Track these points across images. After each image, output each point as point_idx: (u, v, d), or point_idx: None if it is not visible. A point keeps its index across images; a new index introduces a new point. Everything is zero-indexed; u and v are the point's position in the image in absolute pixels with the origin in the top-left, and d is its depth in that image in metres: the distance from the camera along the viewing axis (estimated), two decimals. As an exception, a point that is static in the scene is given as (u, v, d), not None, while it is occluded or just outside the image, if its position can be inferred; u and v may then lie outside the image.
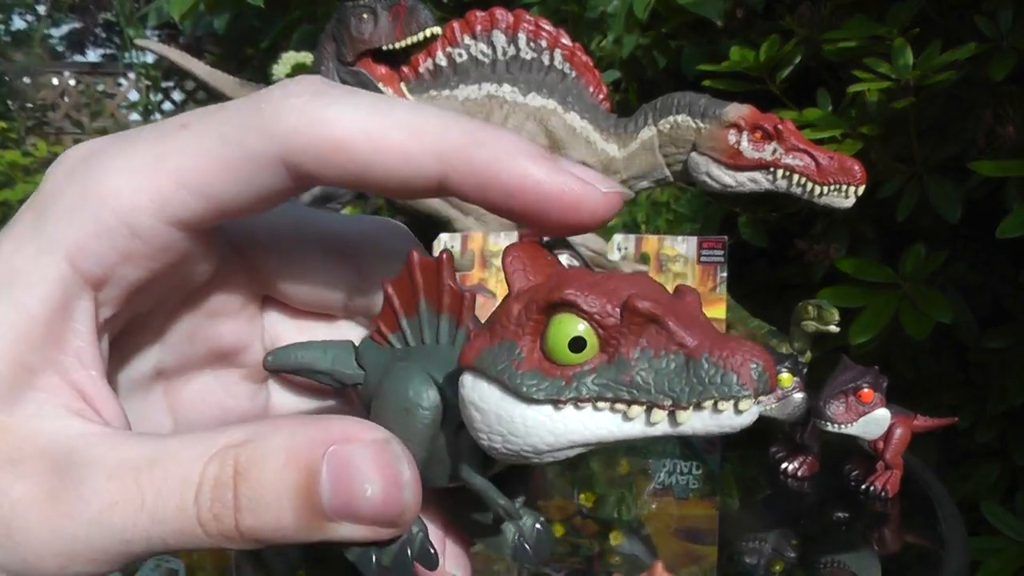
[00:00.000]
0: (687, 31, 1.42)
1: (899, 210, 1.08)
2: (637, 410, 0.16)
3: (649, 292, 0.17)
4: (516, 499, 0.20)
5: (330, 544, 0.18)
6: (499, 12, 0.79)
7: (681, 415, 0.16)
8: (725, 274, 0.76)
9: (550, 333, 0.17)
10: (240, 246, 0.22)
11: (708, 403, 0.16)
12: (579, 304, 0.16)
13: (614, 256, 0.80)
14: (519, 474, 0.20)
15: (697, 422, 0.16)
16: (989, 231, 0.93)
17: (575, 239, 0.78)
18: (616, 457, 0.71)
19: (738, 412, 0.16)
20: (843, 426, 0.59)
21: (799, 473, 0.64)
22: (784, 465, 0.65)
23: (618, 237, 0.80)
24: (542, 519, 0.20)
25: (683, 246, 0.76)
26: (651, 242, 0.78)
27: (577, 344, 0.16)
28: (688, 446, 0.74)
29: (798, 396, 0.63)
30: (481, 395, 0.17)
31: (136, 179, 0.18)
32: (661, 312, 0.16)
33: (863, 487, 0.61)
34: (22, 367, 0.17)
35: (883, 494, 0.60)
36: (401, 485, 0.17)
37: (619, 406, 0.16)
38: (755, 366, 0.16)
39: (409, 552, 0.18)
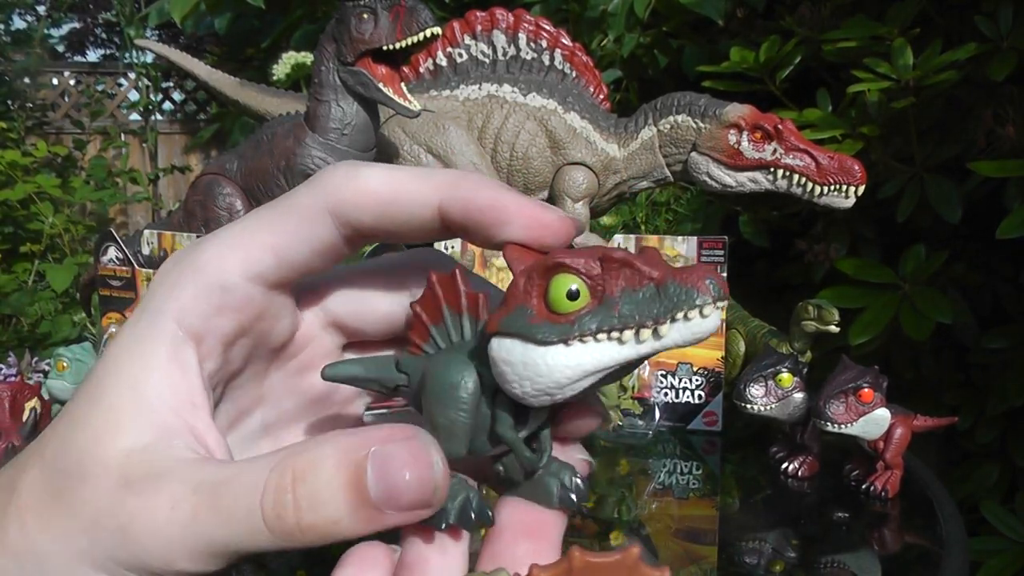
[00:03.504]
0: (688, 31, 1.42)
1: (899, 210, 1.08)
2: (628, 334, 0.20)
3: (617, 249, 0.21)
4: (542, 456, 0.24)
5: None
6: (499, 12, 0.79)
7: (662, 329, 0.20)
8: (725, 274, 0.76)
9: (551, 292, 0.21)
10: (315, 303, 0.27)
11: (680, 315, 0.20)
12: (568, 263, 0.21)
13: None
14: (541, 439, 0.24)
15: (676, 334, 0.20)
16: (989, 231, 0.93)
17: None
18: (616, 457, 0.71)
19: (703, 316, 0.20)
20: (843, 426, 0.59)
21: (799, 473, 0.64)
22: (784, 465, 0.65)
23: (618, 237, 0.80)
24: (576, 472, 0.24)
25: (683, 246, 0.76)
26: (651, 242, 0.78)
27: (573, 294, 0.21)
28: (688, 446, 0.74)
29: (798, 396, 0.63)
30: (508, 351, 0.21)
31: (227, 248, 0.24)
32: (630, 257, 0.21)
33: (863, 487, 0.61)
34: (144, 406, 0.22)
35: (883, 494, 0.60)
36: (432, 468, 0.21)
37: (614, 334, 0.20)
38: (709, 280, 0.20)
39: (472, 510, 0.22)
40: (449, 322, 0.24)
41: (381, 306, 0.27)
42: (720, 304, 0.20)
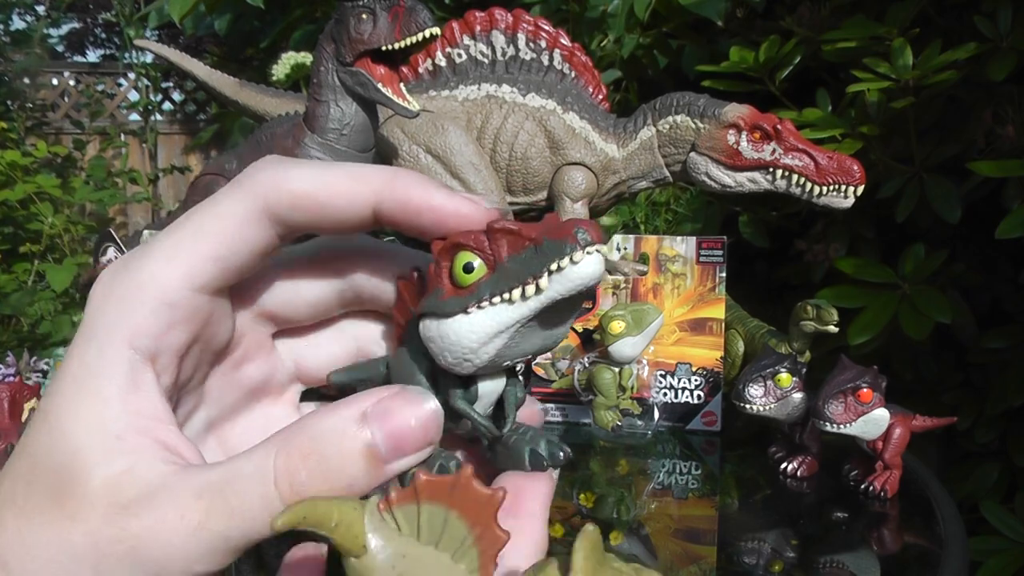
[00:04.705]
0: (687, 31, 1.42)
1: (899, 210, 1.08)
2: (516, 293, 0.22)
3: (503, 220, 0.23)
4: (502, 424, 0.26)
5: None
6: (498, 12, 0.79)
7: (541, 283, 0.22)
8: (724, 274, 0.76)
9: (453, 270, 0.23)
10: (246, 298, 0.27)
11: (553, 266, 0.22)
12: (461, 242, 0.23)
13: (613, 256, 0.80)
14: (505, 407, 0.26)
15: (557, 284, 0.22)
16: (989, 231, 0.93)
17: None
18: (615, 457, 0.71)
19: (574, 263, 0.22)
20: (842, 426, 0.59)
21: (798, 473, 0.64)
22: (783, 465, 0.65)
23: (617, 237, 0.80)
24: (552, 438, 0.25)
25: (682, 246, 0.76)
26: (650, 242, 0.78)
27: (468, 268, 0.23)
28: (687, 446, 0.74)
29: (797, 396, 0.63)
30: (428, 329, 0.23)
31: (170, 262, 0.24)
32: (510, 225, 0.23)
33: (862, 487, 0.61)
34: (111, 436, 0.22)
35: (882, 494, 0.60)
36: (431, 410, 0.23)
37: (504, 295, 0.22)
38: (577, 230, 0.22)
39: (448, 472, 0.24)
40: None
41: (309, 293, 0.28)
42: (590, 249, 0.22)
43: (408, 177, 0.25)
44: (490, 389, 0.25)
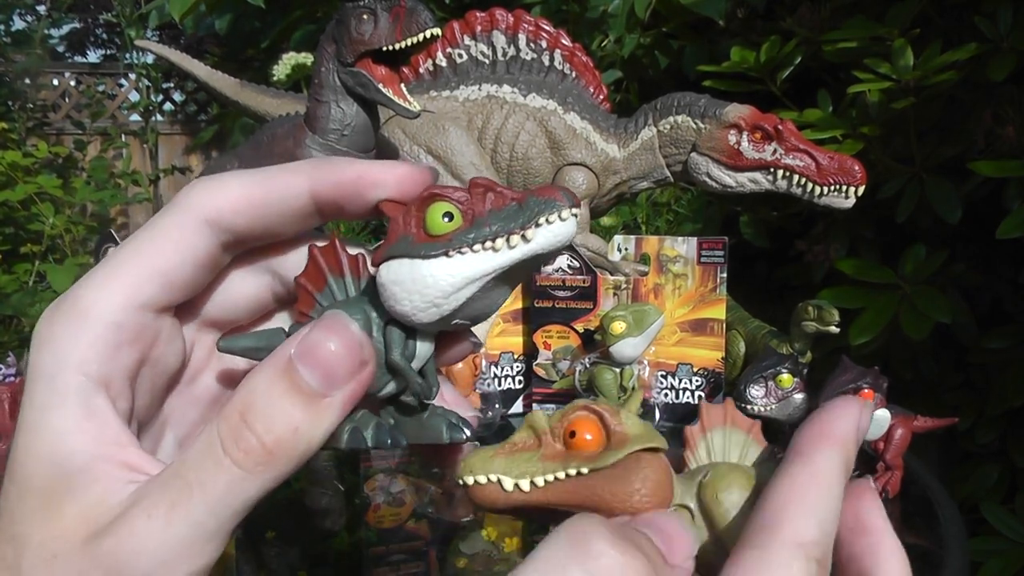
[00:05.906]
0: (688, 31, 1.42)
1: (899, 211, 1.08)
2: (500, 242, 0.23)
3: (482, 178, 0.24)
4: (430, 389, 0.26)
5: (336, 435, 0.23)
6: (499, 13, 0.79)
7: (529, 233, 0.23)
8: (725, 275, 0.76)
9: (428, 219, 0.24)
10: (189, 312, 0.27)
11: (543, 220, 0.23)
12: (440, 192, 0.24)
13: (614, 256, 0.80)
14: (427, 374, 0.26)
15: (541, 237, 0.23)
16: (989, 231, 0.93)
17: (575, 240, 0.78)
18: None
19: (562, 220, 0.23)
20: (843, 427, 0.59)
21: (799, 474, 0.64)
22: (784, 466, 0.65)
23: (618, 238, 0.80)
24: (461, 416, 0.26)
25: (683, 247, 0.76)
26: (651, 243, 0.78)
27: (448, 216, 0.23)
28: (688, 447, 0.73)
29: (798, 397, 0.63)
30: (396, 272, 0.23)
31: (108, 285, 0.23)
32: (493, 184, 0.24)
33: (863, 488, 0.61)
34: (76, 471, 0.22)
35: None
36: (351, 330, 0.23)
37: (488, 243, 0.23)
38: (563, 192, 0.23)
39: (386, 435, 0.24)
40: (333, 286, 0.26)
41: (247, 291, 0.28)
42: (574, 211, 0.23)
43: (336, 159, 0.25)
44: (424, 351, 0.25)
